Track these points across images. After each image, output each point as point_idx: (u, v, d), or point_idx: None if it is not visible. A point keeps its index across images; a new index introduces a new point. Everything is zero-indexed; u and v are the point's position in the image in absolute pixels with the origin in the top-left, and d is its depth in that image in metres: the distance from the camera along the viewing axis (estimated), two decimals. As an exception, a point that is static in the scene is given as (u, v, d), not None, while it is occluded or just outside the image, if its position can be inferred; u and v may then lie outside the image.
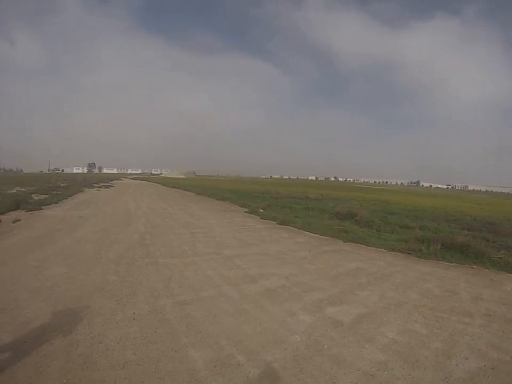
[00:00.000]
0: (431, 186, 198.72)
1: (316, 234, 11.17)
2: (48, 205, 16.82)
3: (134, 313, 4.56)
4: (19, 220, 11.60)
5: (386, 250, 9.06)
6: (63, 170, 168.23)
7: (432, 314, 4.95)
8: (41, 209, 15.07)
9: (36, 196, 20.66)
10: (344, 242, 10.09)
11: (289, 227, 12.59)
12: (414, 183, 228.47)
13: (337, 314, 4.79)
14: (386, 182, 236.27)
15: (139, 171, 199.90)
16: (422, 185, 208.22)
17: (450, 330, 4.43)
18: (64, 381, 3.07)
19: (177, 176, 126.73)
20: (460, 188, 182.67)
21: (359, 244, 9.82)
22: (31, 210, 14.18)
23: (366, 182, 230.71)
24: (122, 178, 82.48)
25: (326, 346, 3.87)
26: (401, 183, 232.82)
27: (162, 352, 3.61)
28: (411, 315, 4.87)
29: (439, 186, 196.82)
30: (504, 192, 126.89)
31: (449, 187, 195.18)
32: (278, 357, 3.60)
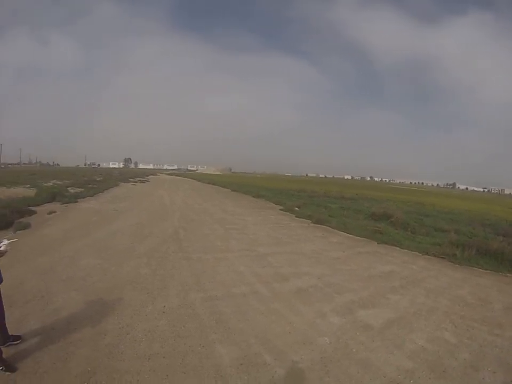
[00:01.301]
0: (467, 188, 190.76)
1: (350, 235, 10.99)
2: (83, 198, 17.44)
3: (164, 306, 4.66)
4: (54, 212, 11.98)
5: (420, 254, 8.78)
6: (99, 164, 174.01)
7: (462, 322, 4.75)
8: (77, 201, 15.60)
9: (72, 189, 21.45)
10: (378, 243, 9.89)
11: (324, 226, 12.45)
12: (450, 185, 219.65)
13: (368, 317, 4.71)
14: (422, 183, 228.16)
15: (175, 167, 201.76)
16: (458, 188, 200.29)
17: (480, 341, 4.24)
18: (89, 369, 3.17)
19: (213, 173, 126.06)
20: (496, 191, 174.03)
21: (394, 246, 9.59)
22: (67, 203, 14.69)
23: (402, 182, 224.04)
24: (158, 174, 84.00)
25: (354, 350, 3.81)
26: (437, 184, 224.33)
27: (190, 346, 3.67)
28: (441, 322, 4.71)
29: (475, 189, 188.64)
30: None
31: (485, 190, 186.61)
32: (305, 358, 3.58)
